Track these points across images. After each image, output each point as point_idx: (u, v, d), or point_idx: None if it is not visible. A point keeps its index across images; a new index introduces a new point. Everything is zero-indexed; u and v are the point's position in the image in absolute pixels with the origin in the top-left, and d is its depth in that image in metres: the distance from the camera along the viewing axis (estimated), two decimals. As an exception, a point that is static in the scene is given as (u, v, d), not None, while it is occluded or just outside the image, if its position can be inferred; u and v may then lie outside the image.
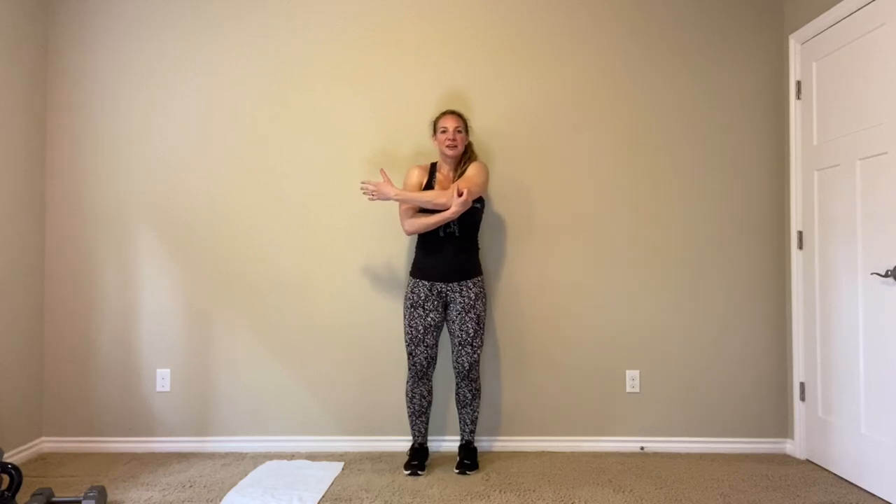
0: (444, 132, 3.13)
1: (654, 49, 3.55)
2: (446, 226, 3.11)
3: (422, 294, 3.14)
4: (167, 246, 3.55)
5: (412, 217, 3.14)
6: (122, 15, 3.57)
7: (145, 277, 3.54)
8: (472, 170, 3.14)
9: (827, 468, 3.20)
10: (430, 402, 3.25)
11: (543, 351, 3.53)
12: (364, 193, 3.16)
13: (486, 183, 3.18)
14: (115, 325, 3.54)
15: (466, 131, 3.20)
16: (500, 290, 3.54)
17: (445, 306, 3.17)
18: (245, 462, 3.32)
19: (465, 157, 3.21)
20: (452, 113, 3.19)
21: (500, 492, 2.90)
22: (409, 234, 3.19)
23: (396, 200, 3.13)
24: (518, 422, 3.52)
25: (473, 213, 3.15)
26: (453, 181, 3.16)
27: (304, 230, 3.55)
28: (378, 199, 3.14)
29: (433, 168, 3.24)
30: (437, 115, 3.26)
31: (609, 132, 3.55)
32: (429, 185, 3.18)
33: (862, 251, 2.95)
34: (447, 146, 3.13)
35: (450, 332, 3.20)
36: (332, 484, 2.99)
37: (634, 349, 3.53)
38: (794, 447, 3.42)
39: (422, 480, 3.05)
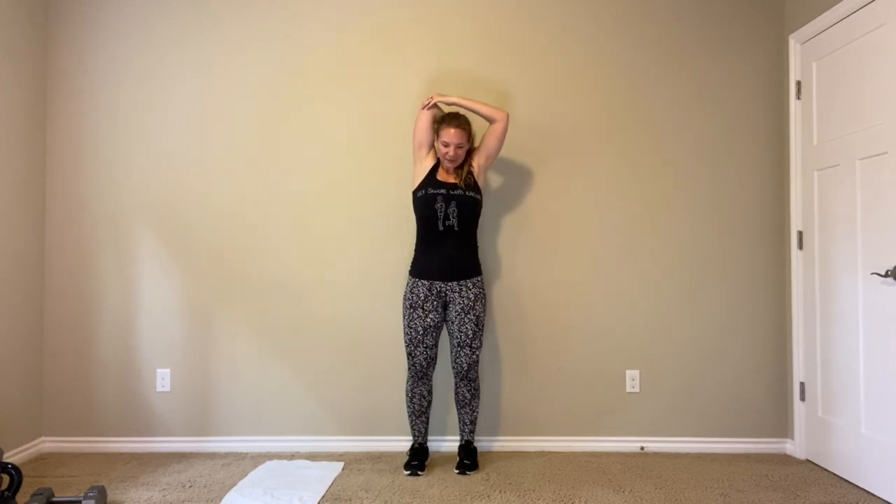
0: (445, 146, 3.09)
1: (654, 48, 3.55)
2: (445, 218, 3.10)
3: (421, 294, 3.14)
4: (167, 246, 3.55)
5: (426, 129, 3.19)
6: (122, 15, 3.57)
7: (145, 277, 3.54)
8: (487, 138, 3.23)
9: (827, 468, 3.20)
10: (429, 402, 3.25)
11: (543, 351, 3.53)
12: (426, 104, 3.20)
13: (499, 143, 3.24)
14: (115, 325, 3.54)
15: (468, 141, 3.14)
16: (500, 289, 3.54)
17: (445, 306, 3.17)
18: (245, 462, 3.32)
19: (466, 158, 3.20)
20: (458, 127, 3.09)
21: (500, 492, 2.90)
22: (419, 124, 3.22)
23: (457, 103, 3.18)
24: (518, 422, 3.52)
25: (473, 205, 3.14)
26: (455, 178, 3.15)
27: (303, 230, 3.55)
28: (438, 101, 3.19)
29: (437, 164, 3.22)
30: (444, 112, 3.21)
31: (608, 132, 3.55)
32: (432, 173, 3.16)
33: (862, 251, 2.95)
34: (448, 160, 3.12)
35: (449, 332, 3.21)
36: (332, 484, 2.99)
37: (634, 349, 3.53)
38: (794, 447, 3.42)
39: (422, 480, 3.05)
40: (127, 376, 3.53)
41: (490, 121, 3.22)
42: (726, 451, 3.48)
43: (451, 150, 3.08)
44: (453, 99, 3.19)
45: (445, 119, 3.14)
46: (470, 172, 3.17)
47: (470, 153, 3.21)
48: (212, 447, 3.51)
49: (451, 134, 3.08)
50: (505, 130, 3.22)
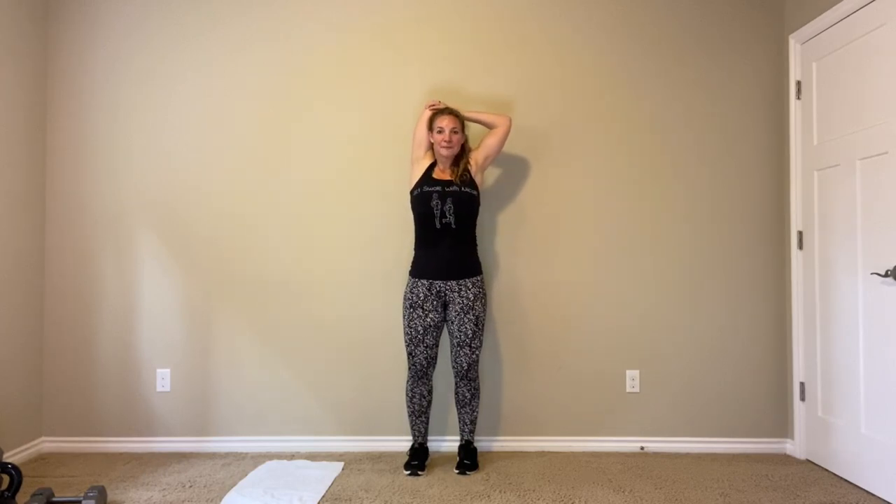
0: (440, 132, 3.14)
1: (654, 48, 3.55)
2: (442, 215, 3.11)
3: (421, 294, 3.14)
4: (167, 246, 3.55)
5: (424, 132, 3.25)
6: (122, 15, 3.57)
7: (145, 277, 3.54)
8: (487, 138, 3.29)
9: (827, 468, 3.20)
10: (429, 402, 3.25)
11: (543, 351, 3.53)
12: (432, 104, 3.30)
13: (498, 144, 3.30)
14: (115, 325, 3.54)
15: (463, 131, 3.20)
16: (500, 289, 3.54)
17: (445, 306, 3.17)
18: (245, 462, 3.32)
19: (462, 156, 3.21)
20: (450, 113, 3.19)
21: (500, 492, 2.90)
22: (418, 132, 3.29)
23: (466, 117, 3.26)
24: (518, 422, 3.52)
25: (469, 201, 3.15)
26: (451, 175, 3.16)
27: (303, 229, 3.55)
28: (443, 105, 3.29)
29: (434, 163, 3.24)
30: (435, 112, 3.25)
31: (607, 131, 3.55)
32: (428, 172, 3.19)
33: (862, 251, 2.95)
34: (443, 147, 3.14)
35: (449, 332, 3.21)
36: (332, 484, 2.99)
37: (634, 349, 3.53)
38: (794, 447, 3.42)
39: (422, 480, 3.05)
40: (127, 376, 3.53)
41: (493, 127, 3.29)
42: (726, 451, 3.48)
43: (445, 135, 3.12)
44: (463, 112, 3.29)
45: (437, 112, 3.22)
46: (466, 170, 3.18)
47: (466, 151, 3.23)
48: (212, 447, 3.51)
49: (444, 120, 3.15)
50: (506, 134, 3.29)
